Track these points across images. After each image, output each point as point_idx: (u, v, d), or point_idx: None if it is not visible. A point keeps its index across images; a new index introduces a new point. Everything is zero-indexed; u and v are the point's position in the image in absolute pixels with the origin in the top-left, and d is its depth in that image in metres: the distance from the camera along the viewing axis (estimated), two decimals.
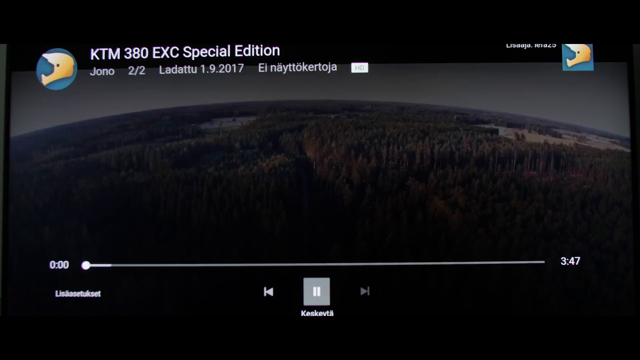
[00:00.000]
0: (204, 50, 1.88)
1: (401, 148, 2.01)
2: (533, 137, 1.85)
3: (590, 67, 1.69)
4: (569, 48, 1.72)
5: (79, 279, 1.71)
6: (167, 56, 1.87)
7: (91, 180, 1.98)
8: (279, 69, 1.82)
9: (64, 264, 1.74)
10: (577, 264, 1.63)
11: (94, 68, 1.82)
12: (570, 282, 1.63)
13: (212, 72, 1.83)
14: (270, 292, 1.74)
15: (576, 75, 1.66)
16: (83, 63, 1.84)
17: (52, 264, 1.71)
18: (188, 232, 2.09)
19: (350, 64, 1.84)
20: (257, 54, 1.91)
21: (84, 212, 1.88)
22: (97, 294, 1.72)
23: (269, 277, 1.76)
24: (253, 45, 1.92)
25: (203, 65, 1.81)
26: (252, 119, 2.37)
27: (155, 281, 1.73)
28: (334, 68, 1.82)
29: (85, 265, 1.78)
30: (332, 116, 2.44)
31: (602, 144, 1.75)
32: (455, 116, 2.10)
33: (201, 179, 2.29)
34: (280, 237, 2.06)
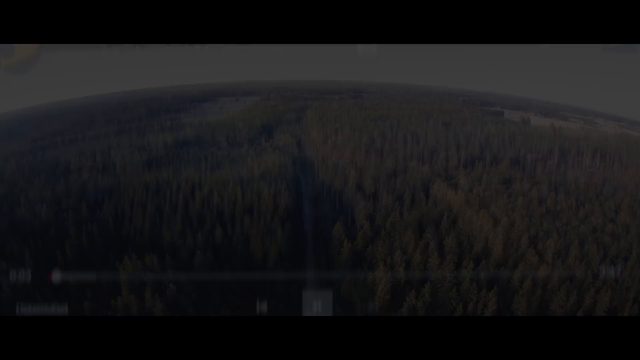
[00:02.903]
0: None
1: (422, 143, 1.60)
2: (573, 128, 1.40)
3: None
4: None
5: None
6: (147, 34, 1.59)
7: (44, 187, 1.65)
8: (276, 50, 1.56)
9: None
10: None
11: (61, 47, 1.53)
12: None
13: (197, 50, 1.58)
14: (265, 307, 1.47)
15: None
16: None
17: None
18: (158, 255, 1.56)
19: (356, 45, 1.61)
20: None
21: (30, 227, 1.53)
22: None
23: (263, 289, 1.46)
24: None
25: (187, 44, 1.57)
26: (243, 107, 2.06)
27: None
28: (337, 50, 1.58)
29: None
30: (337, 97, 2.15)
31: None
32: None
33: (177, 185, 1.87)
34: (276, 266, 1.52)
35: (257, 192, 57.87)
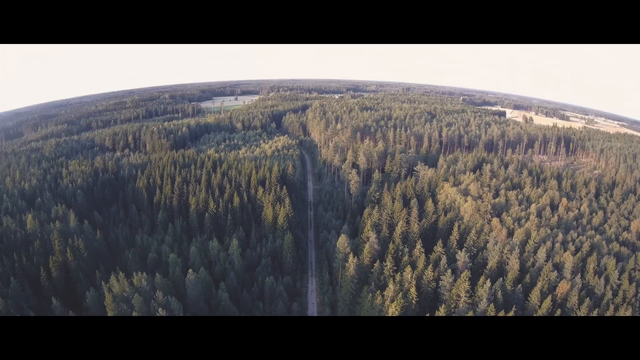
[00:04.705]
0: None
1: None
2: None
3: None
4: None
5: None
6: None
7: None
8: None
9: None
10: None
11: None
12: None
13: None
14: None
15: None
16: None
17: None
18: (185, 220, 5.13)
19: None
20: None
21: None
22: None
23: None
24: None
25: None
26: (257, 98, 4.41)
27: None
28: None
29: None
30: (337, 96, 6.17)
31: None
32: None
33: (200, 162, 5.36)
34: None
35: (269, 167, 62.59)
